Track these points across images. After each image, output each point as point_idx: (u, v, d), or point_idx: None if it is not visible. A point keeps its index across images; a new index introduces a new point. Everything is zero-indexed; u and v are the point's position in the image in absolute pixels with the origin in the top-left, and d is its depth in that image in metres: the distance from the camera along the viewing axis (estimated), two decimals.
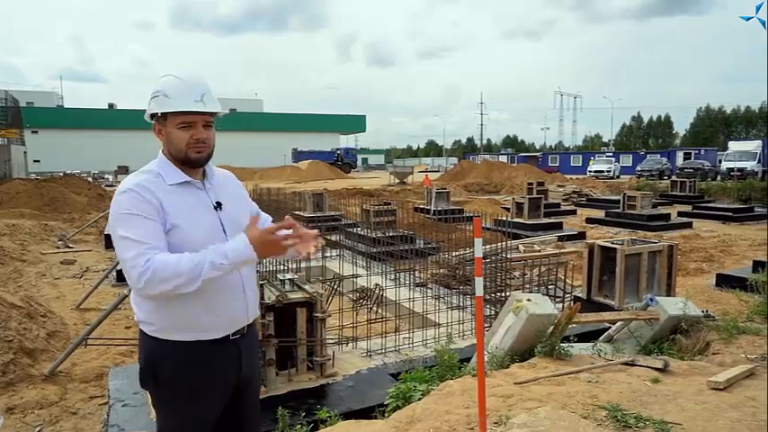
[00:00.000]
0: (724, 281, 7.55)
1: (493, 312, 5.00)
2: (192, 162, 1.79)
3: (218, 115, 1.83)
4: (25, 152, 29.30)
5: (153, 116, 1.79)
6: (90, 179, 27.79)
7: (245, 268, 1.86)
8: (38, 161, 46.92)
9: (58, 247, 10.88)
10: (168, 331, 1.76)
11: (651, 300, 3.97)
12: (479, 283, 2.12)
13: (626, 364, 3.20)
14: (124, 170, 48.04)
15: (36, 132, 50.79)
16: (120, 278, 7.96)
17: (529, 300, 3.39)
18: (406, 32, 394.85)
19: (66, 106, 66.44)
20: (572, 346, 3.45)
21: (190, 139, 1.76)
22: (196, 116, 1.75)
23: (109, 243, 11.21)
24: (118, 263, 8.16)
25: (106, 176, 42.05)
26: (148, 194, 1.70)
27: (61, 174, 28.09)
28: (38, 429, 3.77)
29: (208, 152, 1.81)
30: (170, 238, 1.70)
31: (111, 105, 68.79)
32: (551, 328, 3.38)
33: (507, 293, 5.51)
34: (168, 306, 1.73)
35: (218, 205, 1.84)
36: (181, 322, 1.75)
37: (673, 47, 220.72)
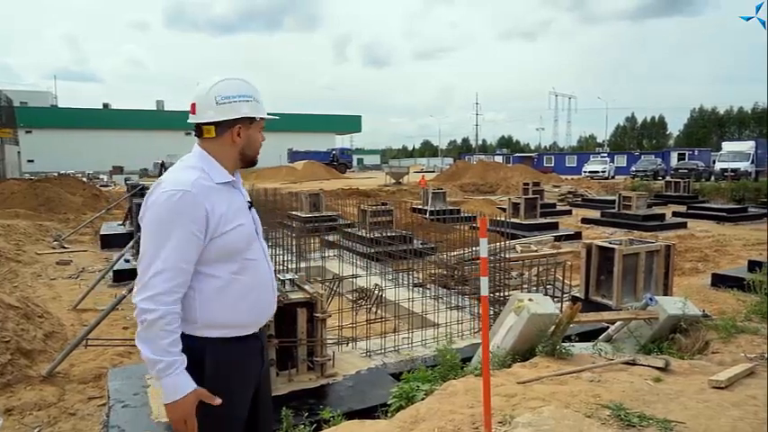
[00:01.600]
0: (719, 280, 7.61)
1: (491, 312, 5.01)
2: (256, 162, 1.93)
3: None
4: (19, 152, 29.13)
5: (237, 118, 1.81)
6: (85, 179, 27.61)
7: (267, 262, 1.90)
8: (32, 161, 46.66)
9: (53, 248, 10.81)
10: (212, 328, 1.75)
11: (650, 299, 3.99)
12: (485, 282, 2.12)
13: (627, 363, 3.21)
14: (119, 170, 47.91)
15: (30, 132, 50.51)
16: (117, 279, 7.91)
17: (530, 300, 3.40)
18: (401, 33, 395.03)
19: (60, 106, 66.10)
20: (573, 346, 3.46)
21: (260, 141, 1.91)
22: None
23: (105, 243, 11.18)
24: (114, 263, 8.13)
25: (101, 176, 41.81)
26: (203, 198, 1.69)
27: (56, 174, 27.90)
28: (36, 430, 3.75)
29: None
30: (220, 241, 1.71)
31: (105, 105, 68.58)
32: (552, 327, 3.39)
33: (505, 293, 5.53)
34: (215, 303, 1.74)
35: (250, 205, 1.90)
36: (226, 319, 1.76)
37: (667, 48, 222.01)
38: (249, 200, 1.92)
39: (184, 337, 1.75)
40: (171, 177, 1.73)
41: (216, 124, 1.78)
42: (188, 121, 1.81)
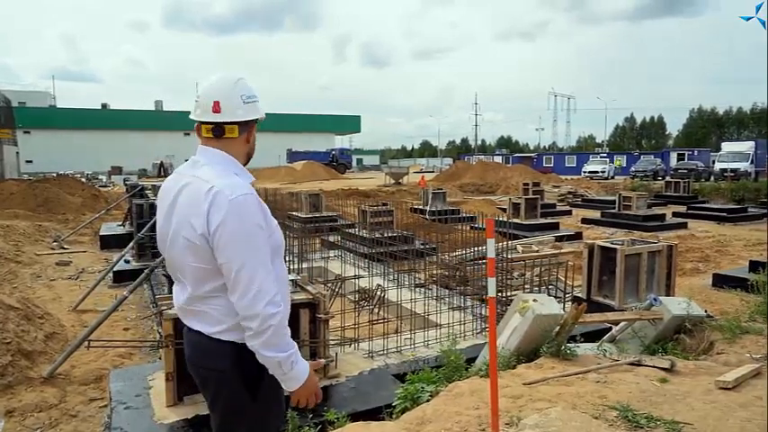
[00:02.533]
0: (721, 281, 7.60)
1: None
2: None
3: None
4: (18, 152, 29.05)
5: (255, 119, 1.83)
6: (84, 180, 27.55)
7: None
8: (30, 161, 46.58)
9: (52, 249, 10.78)
10: None
11: (655, 300, 3.98)
12: (492, 283, 2.10)
13: (632, 364, 3.20)
14: (118, 171, 47.80)
15: (28, 133, 50.46)
16: (117, 279, 7.88)
17: (535, 300, 3.38)
18: (400, 33, 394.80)
19: (58, 106, 65.98)
20: (578, 347, 3.45)
21: None
22: None
23: (104, 244, 11.15)
24: (115, 264, 8.10)
25: (100, 177, 41.75)
26: (258, 199, 1.72)
27: (54, 174, 27.84)
28: None
29: None
30: (271, 241, 1.72)
31: (104, 105, 68.43)
32: (557, 328, 3.37)
33: (507, 294, 5.51)
34: None
35: None
36: None
37: (666, 48, 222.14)
38: None
39: (236, 349, 1.72)
40: (226, 183, 1.66)
41: (239, 124, 1.76)
42: (210, 120, 1.74)
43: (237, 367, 1.71)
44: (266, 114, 1.91)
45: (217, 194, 1.62)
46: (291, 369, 1.66)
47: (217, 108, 1.72)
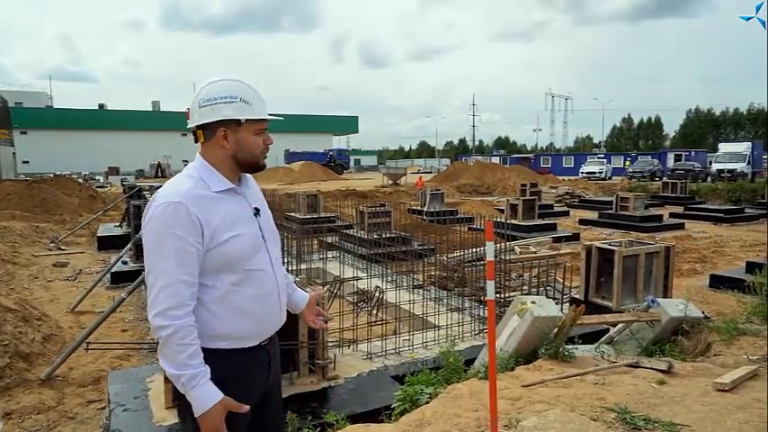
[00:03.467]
0: (718, 282, 7.62)
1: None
2: (261, 167, 1.84)
3: None
4: (14, 153, 29.02)
5: (219, 121, 1.74)
6: (81, 180, 27.48)
7: (280, 273, 1.87)
8: (27, 162, 46.50)
9: (50, 250, 10.76)
10: (212, 339, 1.70)
11: (652, 301, 3.99)
12: (491, 286, 2.11)
13: (630, 365, 3.21)
14: (115, 171, 47.73)
15: (25, 133, 50.41)
16: (115, 281, 7.87)
17: (533, 302, 3.39)
18: (398, 34, 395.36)
19: (55, 106, 65.82)
20: (576, 348, 3.46)
21: (263, 145, 1.81)
22: (266, 123, 1.81)
23: (102, 245, 11.14)
24: (113, 265, 8.09)
25: (97, 178, 41.66)
26: (197, 209, 1.64)
27: (51, 175, 27.77)
28: None
29: None
30: (215, 252, 1.67)
31: (101, 106, 68.30)
32: (555, 330, 3.38)
33: (505, 295, 5.52)
34: (215, 314, 1.70)
35: (257, 211, 1.84)
36: (226, 330, 1.72)
37: (663, 49, 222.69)
38: (256, 206, 1.85)
39: None
40: (166, 190, 1.70)
41: (203, 128, 1.74)
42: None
43: None
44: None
45: (152, 200, 1.69)
46: (186, 392, 1.61)
47: (187, 114, 1.78)
